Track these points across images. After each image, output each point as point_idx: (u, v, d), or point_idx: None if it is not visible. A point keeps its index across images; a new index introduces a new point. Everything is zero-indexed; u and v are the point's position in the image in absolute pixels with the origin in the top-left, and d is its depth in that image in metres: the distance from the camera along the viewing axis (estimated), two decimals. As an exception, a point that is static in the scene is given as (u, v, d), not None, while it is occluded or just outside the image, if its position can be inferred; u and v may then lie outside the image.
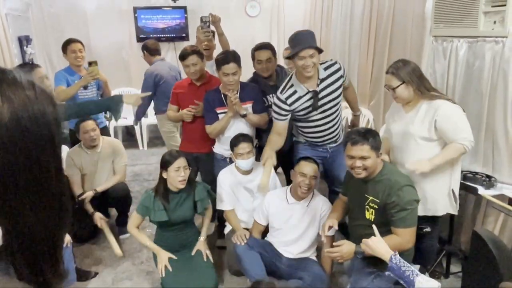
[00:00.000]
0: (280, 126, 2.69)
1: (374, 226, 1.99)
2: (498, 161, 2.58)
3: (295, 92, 2.59)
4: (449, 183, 2.38)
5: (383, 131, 2.65)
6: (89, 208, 3.15)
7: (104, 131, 3.73)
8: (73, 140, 3.42)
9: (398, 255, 1.79)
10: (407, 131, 2.35)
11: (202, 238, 2.72)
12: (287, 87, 2.62)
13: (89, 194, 3.14)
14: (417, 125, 2.30)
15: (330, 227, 2.34)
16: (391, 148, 2.51)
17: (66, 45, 3.51)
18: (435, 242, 2.59)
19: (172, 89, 3.19)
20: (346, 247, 2.12)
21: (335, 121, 2.75)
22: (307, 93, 2.58)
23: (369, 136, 2.11)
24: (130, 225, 2.68)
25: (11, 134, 0.52)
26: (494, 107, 2.54)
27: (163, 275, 2.51)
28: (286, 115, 2.65)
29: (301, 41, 2.47)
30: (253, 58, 3.01)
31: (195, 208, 2.65)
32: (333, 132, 2.78)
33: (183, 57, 2.96)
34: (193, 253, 2.65)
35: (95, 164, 3.25)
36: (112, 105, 2.91)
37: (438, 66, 2.96)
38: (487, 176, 2.55)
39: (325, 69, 2.63)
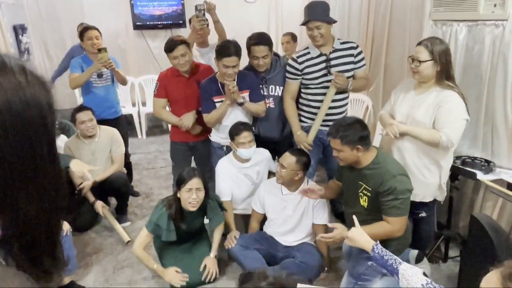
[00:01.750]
0: (292, 86, 2.82)
1: (354, 217, 1.97)
2: (497, 146, 2.57)
3: (308, 53, 2.75)
4: (439, 174, 2.37)
5: (385, 106, 2.60)
6: (90, 197, 3.17)
7: (118, 122, 3.65)
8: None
9: (379, 245, 1.79)
10: (411, 115, 2.32)
11: (212, 254, 2.60)
12: (303, 49, 2.83)
13: (87, 184, 3.14)
14: (423, 110, 2.26)
15: (310, 190, 2.43)
16: None
17: (83, 32, 3.45)
18: (431, 227, 2.60)
19: (158, 81, 3.05)
20: (337, 232, 2.13)
21: (341, 98, 2.78)
22: (319, 55, 2.72)
23: (341, 131, 2.10)
24: (137, 245, 2.55)
25: (2, 120, 0.50)
26: (494, 91, 2.52)
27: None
28: (296, 74, 2.78)
29: (311, 12, 2.60)
30: (249, 51, 2.83)
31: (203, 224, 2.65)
32: (337, 108, 2.78)
33: (170, 48, 2.81)
34: (201, 268, 2.55)
35: (93, 154, 3.24)
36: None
37: (437, 50, 2.92)
38: (486, 161, 2.54)
39: (342, 43, 2.75)
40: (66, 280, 2.49)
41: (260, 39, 2.78)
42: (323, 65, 2.71)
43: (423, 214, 2.47)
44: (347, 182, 2.35)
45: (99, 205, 3.16)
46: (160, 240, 2.62)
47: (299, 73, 2.76)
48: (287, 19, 5.77)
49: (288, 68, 2.82)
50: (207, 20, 3.40)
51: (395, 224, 2.08)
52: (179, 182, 2.42)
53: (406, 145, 2.35)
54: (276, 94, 2.89)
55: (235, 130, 2.68)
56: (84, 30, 3.46)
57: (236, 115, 2.82)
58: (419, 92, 2.33)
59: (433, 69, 2.21)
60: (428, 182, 2.37)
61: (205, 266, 2.56)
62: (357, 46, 2.78)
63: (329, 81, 2.69)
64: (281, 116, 2.93)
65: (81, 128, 3.16)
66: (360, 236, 1.85)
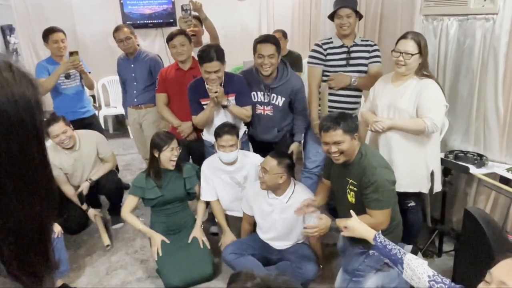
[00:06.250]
0: (317, 71, 2.85)
1: (351, 211, 1.94)
2: (489, 140, 2.59)
3: (331, 42, 2.83)
4: (425, 163, 2.39)
5: (365, 104, 2.62)
6: (84, 206, 3.16)
7: (92, 121, 3.65)
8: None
9: (381, 234, 1.75)
10: (394, 105, 2.35)
11: (198, 223, 2.76)
12: (326, 38, 2.90)
13: (85, 186, 3.11)
14: (406, 100, 2.31)
15: (308, 206, 2.35)
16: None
17: (48, 34, 3.33)
18: (419, 216, 2.59)
19: (158, 77, 3.12)
20: (322, 222, 2.14)
21: (354, 94, 2.83)
22: (341, 46, 2.79)
23: (341, 120, 2.09)
24: (124, 209, 2.70)
25: None
26: (485, 85, 2.53)
27: (156, 259, 2.57)
28: (320, 59, 2.82)
29: (342, 1, 2.70)
30: (255, 51, 2.69)
31: (185, 186, 2.74)
32: (351, 104, 2.82)
33: (170, 38, 2.93)
34: (189, 240, 2.67)
35: (76, 163, 3.09)
36: None
37: (429, 45, 2.91)
38: (478, 155, 2.55)
39: (362, 40, 2.83)
40: (59, 283, 2.46)
41: (267, 37, 2.74)
42: (344, 55, 2.78)
43: (412, 204, 2.46)
44: (336, 180, 2.33)
45: (92, 213, 3.15)
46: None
47: (323, 57, 2.81)
48: (279, 17, 5.75)
49: (312, 53, 2.86)
50: (192, 20, 3.38)
51: (377, 217, 2.04)
52: (159, 145, 2.59)
53: (392, 135, 2.36)
54: (277, 103, 2.80)
55: (219, 131, 2.61)
56: (48, 32, 3.33)
57: (223, 117, 2.78)
58: (397, 84, 2.37)
59: (418, 62, 2.28)
60: (414, 172, 2.37)
61: (194, 238, 2.68)
62: (374, 44, 2.83)
63: (346, 72, 2.77)
64: (277, 124, 2.87)
65: (56, 142, 2.91)
66: (359, 225, 1.81)
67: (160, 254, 2.58)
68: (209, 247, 2.68)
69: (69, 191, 3.10)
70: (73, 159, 3.08)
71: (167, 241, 2.64)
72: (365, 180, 2.07)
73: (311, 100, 2.90)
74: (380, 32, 3.59)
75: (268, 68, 2.65)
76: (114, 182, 3.26)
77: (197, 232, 2.71)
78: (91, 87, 3.66)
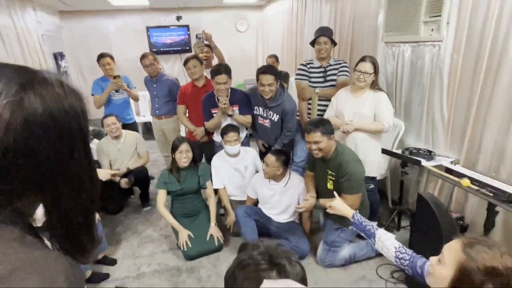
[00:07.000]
0: (304, 84, 2.85)
1: (335, 193, 1.94)
2: (436, 139, 2.58)
3: (312, 63, 2.86)
4: (379, 155, 2.50)
5: (328, 111, 2.61)
6: (116, 178, 3.08)
7: (133, 126, 3.75)
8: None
9: (358, 213, 1.73)
10: (359, 112, 2.38)
11: (212, 224, 2.62)
12: (308, 60, 2.92)
13: (122, 170, 3.14)
14: (367, 108, 2.36)
15: (305, 200, 2.33)
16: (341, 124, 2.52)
17: (99, 59, 3.53)
18: (377, 196, 2.61)
19: (179, 92, 3.15)
20: (308, 203, 2.21)
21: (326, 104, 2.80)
22: (319, 67, 2.82)
23: (319, 124, 2.12)
24: (159, 203, 2.58)
25: (46, 126, 0.47)
26: (433, 96, 2.53)
27: (184, 249, 2.46)
28: (305, 76, 2.84)
29: (323, 31, 2.74)
30: (257, 79, 2.61)
31: (199, 182, 2.71)
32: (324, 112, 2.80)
33: (185, 62, 2.96)
34: (207, 238, 2.54)
35: (119, 152, 3.20)
36: None
37: (389, 66, 2.93)
38: (428, 151, 2.54)
39: (335, 61, 2.84)
40: (100, 256, 2.44)
41: (267, 69, 2.60)
42: (321, 74, 2.80)
43: (372, 186, 2.50)
44: (318, 171, 2.35)
45: (123, 181, 3.09)
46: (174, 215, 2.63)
47: (307, 74, 2.83)
48: (271, 44, 5.75)
49: (298, 71, 2.89)
50: (205, 47, 3.41)
51: (349, 200, 2.04)
52: (174, 148, 2.59)
53: (357, 134, 2.39)
54: (273, 119, 2.73)
55: (224, 130, 2.69)
56: (99, 57, 3.53)
57: (230, 123, 2.80)
58: (357, 95, 2.41)
59: (373, 79, 2.35)
60: (372, 161, 2.42)
61: (211, 235, 2.57)
62: (344, 62, 2.82)
63: (324, 87, 2.79)
64: (274, 134, 2.82)
65: (107, 130, 3.15)
66: (341, 206, 1.80)
67: (190, 246, 2.46)
68: (222, 239, 2.56)
69: (108, 171, 3.05)
70: (117, 148, 3.19)
71: (192, 236, 2.51)
72: (341, 171, 2.08)
73: (302, 108, 2.90)
74: (351, 56, 3.58)
75: (268, 93, 2.59)
76: (143, 173, 3.27)
77: (213, 231, 2.58)
78: (135, 99, 3.71)
